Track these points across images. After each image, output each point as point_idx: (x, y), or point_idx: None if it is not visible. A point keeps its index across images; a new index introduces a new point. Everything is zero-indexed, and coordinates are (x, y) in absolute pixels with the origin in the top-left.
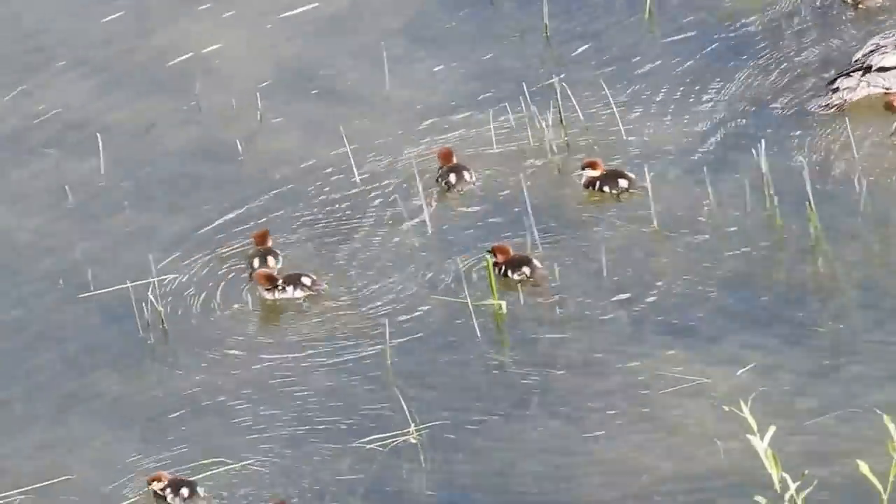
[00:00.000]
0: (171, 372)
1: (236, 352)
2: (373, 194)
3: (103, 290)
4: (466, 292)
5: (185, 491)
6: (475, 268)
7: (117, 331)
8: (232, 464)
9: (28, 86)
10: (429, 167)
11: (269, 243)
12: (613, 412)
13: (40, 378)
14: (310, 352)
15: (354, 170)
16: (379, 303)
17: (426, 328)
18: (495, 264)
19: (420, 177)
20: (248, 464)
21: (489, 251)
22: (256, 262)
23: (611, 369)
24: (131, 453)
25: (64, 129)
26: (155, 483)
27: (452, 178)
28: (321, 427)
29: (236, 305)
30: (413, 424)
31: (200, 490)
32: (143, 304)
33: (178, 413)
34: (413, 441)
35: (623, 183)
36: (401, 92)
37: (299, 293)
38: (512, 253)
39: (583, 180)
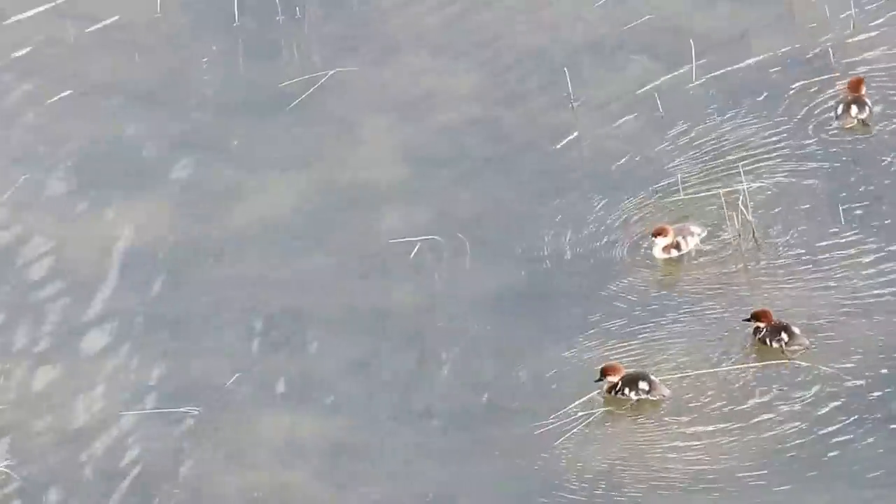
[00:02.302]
0: (762, 284)
1: (827, 267)
2: None
3: (691, 196)
4: None
5: (644, 384)
6: None
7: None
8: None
9: None
10: None
11: (863, 91)
12: None
13: (581, 282)
14: None
15: None
16: None
17: None
18: None
19: None
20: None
21: None
22: (840, 109)
23: None
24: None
25: (656, 35)
26: (611, 377)
27: None
28: None
29: (816, 222)
30: None
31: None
32: (734, 214)
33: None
34: None
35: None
36: None
37: (692, 246)
38: None
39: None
